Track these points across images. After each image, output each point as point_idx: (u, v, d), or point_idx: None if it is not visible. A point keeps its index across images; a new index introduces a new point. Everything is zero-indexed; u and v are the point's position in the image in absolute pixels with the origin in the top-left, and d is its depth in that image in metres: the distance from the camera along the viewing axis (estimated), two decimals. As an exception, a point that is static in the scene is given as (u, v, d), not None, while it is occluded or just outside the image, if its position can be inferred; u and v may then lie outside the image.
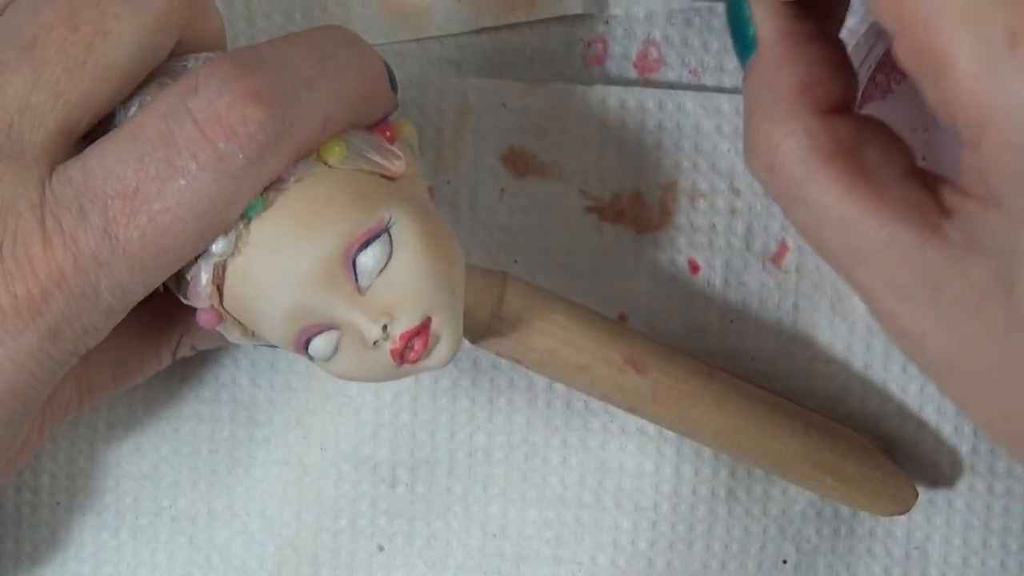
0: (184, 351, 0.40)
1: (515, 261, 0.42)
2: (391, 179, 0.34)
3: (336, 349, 0.34)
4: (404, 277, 0.33)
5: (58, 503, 0.43)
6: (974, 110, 0.26)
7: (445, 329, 0.34)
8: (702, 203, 0.41)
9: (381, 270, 0.33)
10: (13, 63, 0.32)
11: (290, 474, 0.42)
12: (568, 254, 0.42)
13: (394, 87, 0.36)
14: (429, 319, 0.33)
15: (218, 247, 0.32)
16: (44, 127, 0.32)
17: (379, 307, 0.33)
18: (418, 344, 0.33)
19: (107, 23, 0.32)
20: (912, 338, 0.30)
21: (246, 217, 0.32)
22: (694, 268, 0.42)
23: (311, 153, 0.33)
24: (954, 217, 0.29)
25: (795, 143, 0.31)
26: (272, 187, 0.32)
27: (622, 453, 0.42)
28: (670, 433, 0.41)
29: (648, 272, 0.42)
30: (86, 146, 0.33)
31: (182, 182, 0.31)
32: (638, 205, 0.42)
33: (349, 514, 0.42)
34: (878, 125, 0.32)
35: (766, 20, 0.32)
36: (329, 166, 0.33)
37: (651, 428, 0.42)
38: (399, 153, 0.34)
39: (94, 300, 0.32)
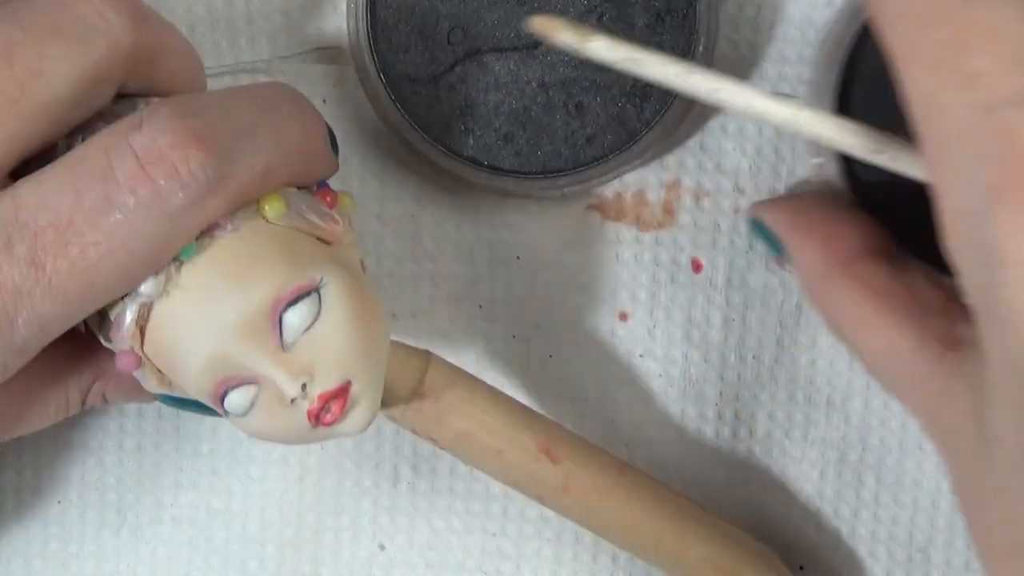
0: (95, 399, 0.38)
1: (517, 258, 0.42)
2: (327, 243, 0.34)
3: (252, 405, 0.33)
4: (329, 339, 0.33)
5: (59, 502, 0.43)
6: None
7: (364, 395, 0.33)
8: (706, 202, 0.41)
9: (306, 329, 0.33)
10: None
11: (291, 474, 0.42)
12: (570, 252, 0.41)
13: (335, 150, 0.36)
14: (349, 383, 0.33)
15: (147, 288, 0.32)
16: None
17: (300, 366, 0.33)
18: (335, 407, 0.33)
19: (43, 63, 0.31)
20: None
21: (178, 260, 0.32)
22: (697, 267, 0.41)
23: (250, 205, 0.33)
24: (959, 350, 0.29)
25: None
26: (207, 233, 0.32)
27: (624, 453, 0.42)
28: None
29: (650, 271, 0.41)
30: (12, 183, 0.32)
31: (118, 216, 0.31)
32: (641, 203, 0.41)
33: (351, 513, 0.42)
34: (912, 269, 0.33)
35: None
36: (267, 220, 0.33)
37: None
38: (337, 217, 0.34)
39: (8, 334, 0.31)
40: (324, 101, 0.41)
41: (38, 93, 0.31)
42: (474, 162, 0.39)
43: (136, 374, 0.34)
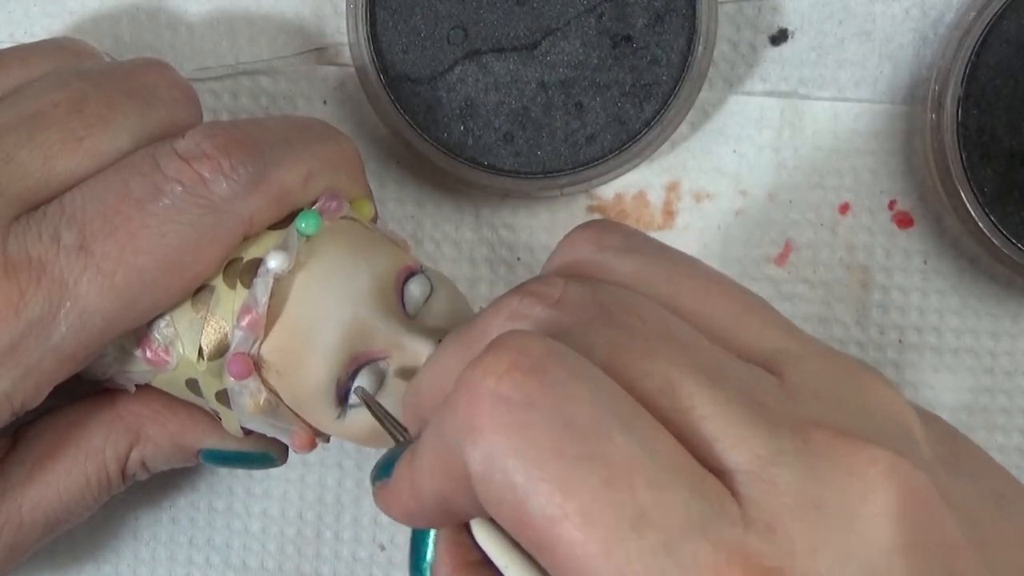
0: (135, 467, 0.37)
1: (518, 259, 0.42)
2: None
3: (382, 384, 0.34)
4: (446, 311, 0.34)
5: (59, 502, 0.43)
6: None
7: None
8: (706, 203, 0.41)
9: (423, 303, 0.34)
10: (12, 124, 0.33)
11: (292, 473, 0.42)
12: (571, 253, 0.41)
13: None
14: None
15: (278, 262, 0.33)
16: (23, 180, 0.32)
17: (429, 329, 0.34)
18: None
19: (113, 114, 0.33)
20: None
21: (304, 236, 0.33)
22: (697, 268, 0.41)
23: (345, 203, 0.35)
24: None
25: None
26: (324, 215, 0.34)
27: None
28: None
29: (651, 272, 0.41)
30: None
31: (166, 201, 0.32)
32: (641, 205, 0.41)
33: (351, 513, 0.42)
34: None
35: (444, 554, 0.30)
36: (357, 219, 0.35)
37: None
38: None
39: (48, 328, 0.31)
40: (325, 102, 0.41)
41: (102, 138, 0.33)
42: (474, 162, 0.39)
43: (236, 390, 0.34)
